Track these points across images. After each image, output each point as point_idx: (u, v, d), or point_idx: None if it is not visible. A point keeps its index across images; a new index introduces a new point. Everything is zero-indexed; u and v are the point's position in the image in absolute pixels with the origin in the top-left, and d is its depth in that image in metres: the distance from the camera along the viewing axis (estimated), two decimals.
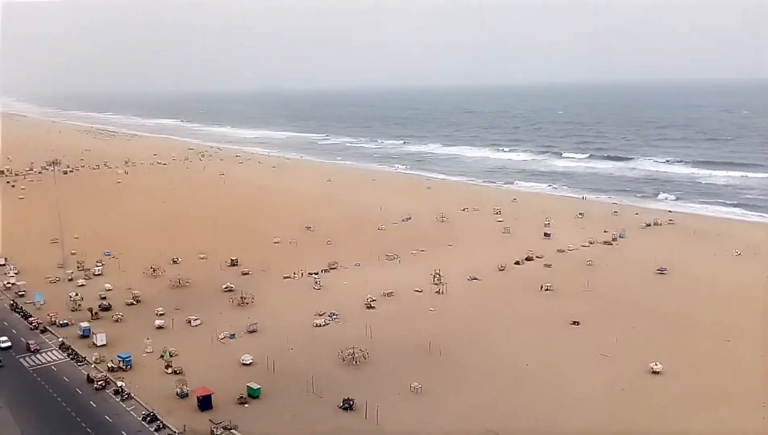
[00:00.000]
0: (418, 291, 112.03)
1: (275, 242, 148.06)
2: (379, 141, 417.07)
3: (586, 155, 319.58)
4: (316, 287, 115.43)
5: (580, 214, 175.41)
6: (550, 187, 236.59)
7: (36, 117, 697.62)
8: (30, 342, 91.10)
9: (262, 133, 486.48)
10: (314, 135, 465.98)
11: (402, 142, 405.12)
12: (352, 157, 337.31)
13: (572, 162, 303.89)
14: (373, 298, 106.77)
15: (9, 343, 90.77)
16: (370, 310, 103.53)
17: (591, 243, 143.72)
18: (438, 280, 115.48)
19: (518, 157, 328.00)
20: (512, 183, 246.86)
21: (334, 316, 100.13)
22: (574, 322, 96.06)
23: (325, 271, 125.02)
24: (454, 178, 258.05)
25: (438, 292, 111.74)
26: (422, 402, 73.12)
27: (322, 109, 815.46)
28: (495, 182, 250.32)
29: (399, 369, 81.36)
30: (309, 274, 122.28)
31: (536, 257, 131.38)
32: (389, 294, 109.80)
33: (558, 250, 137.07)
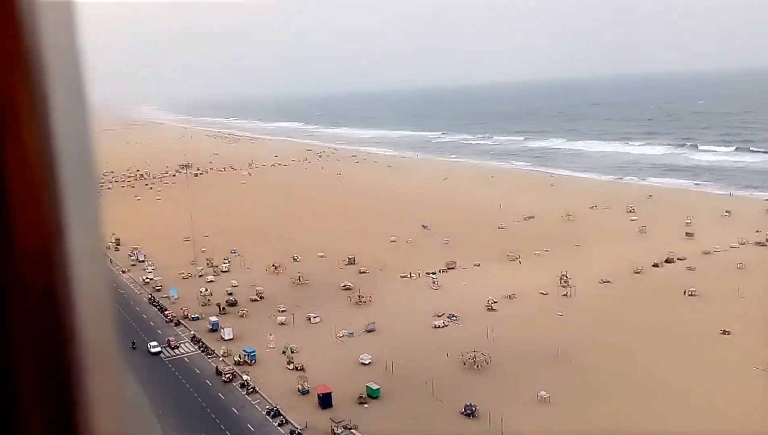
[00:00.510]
0: (543, 293, 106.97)
1: (392, 241, 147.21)
2: (497, 137, 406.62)
3: (732, 148, 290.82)
4: (434, 287, 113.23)
5: (727, 212, 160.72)
6: (691, 183, 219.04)
7: (171, 124, 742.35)
8: (170, 338, 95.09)
9: (378, 133, 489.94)
10: (430, 133, 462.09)
11: (522, 138, 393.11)
12: (470, 154, 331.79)
13: (716, 155, 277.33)
14: (495, 300, 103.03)
15: (159, 349, 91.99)
16: (492, 312, 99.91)
17: (742, 244, 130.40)
18: (565, 282, 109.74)
19: (653, 150, 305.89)
20: (647, 179, 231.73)
21: (454, 318, 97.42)
22: (724, 332, 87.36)
23: (443, 271, 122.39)
24: (580, 175, 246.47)
25: (565, 295, 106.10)
26: (551, 413, 68.84)
27: (438, 107, 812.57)
28: (627, 178, 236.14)
29: (524, 376, 77.33)
30: (426, 273, 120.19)
31: (677, 259, 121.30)
32: (512, 296, 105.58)
33: (703, 252, 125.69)
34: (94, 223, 2.68)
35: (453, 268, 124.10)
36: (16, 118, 2.15)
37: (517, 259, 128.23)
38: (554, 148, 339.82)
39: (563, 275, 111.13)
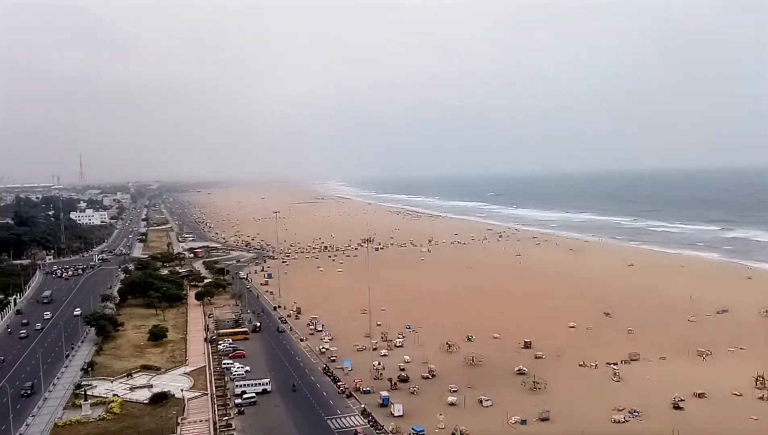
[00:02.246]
0: (736, 395, 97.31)
1: (570, 327, 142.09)
2: (692, 224, 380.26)
3: None
4: (614, 379, 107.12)
5: None
6: None
7: (356, 199, 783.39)
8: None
9: (560, 216, 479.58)
10: (617, 218, 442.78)
11: (719, 227, 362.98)
12: (659, 241, 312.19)
13: None
14: (681, 398, 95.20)
15: None
16: (677, 410, 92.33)
17: None
18: (762, 384, 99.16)
19: None
20: None
21: (635, 414, 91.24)
22: None
23: (625, 362, 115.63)
24: None
25: (761, 398, 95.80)
26: None
27: (626, 191, 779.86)
28: None
29: None
30: (607, 363, 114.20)
31: None
32: (700, 395, 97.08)
33: None
34: None
35: (636, 360, 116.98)
36: None
37: (707, 355, 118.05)
38: (754, 240, 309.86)
39: (760, 376, 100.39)
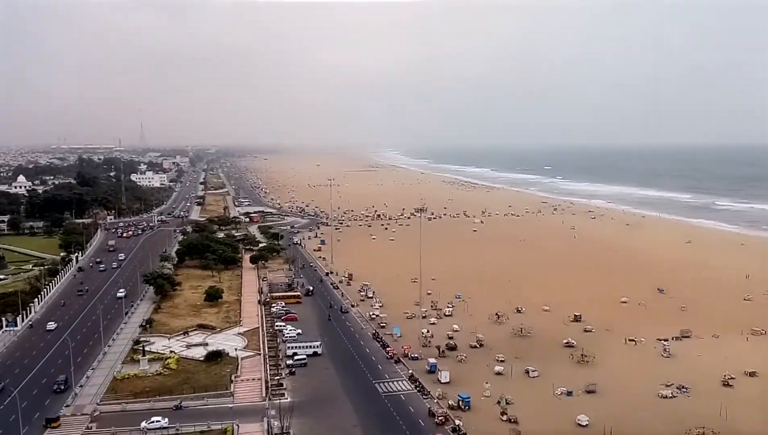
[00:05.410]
0: None
1: (622, 302, 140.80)
2: (759, 203, 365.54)
3: None
4: (664, 355, 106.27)
5: None
6: None
7: (410, 169, 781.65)
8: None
9: (619, 190, 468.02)
10: (677, 194, 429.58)
11: None
12: (723, 218, 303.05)
13: None
14: (732, 376, 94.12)
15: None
16: (727, 388, 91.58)
17: None
18: None
19: None
20: None
21: (684, 390, 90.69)
22: None
23: (677, 338, 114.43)
24: None
25: None
26: None
27: (695, 167, 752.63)
28: None
29: None
30: (657, 339, 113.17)
31: None
32: (752, 374, 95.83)
33: None
34: None
35: (688, 337, 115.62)
36: None
37: (763, 334, 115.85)
38: None
39: None
